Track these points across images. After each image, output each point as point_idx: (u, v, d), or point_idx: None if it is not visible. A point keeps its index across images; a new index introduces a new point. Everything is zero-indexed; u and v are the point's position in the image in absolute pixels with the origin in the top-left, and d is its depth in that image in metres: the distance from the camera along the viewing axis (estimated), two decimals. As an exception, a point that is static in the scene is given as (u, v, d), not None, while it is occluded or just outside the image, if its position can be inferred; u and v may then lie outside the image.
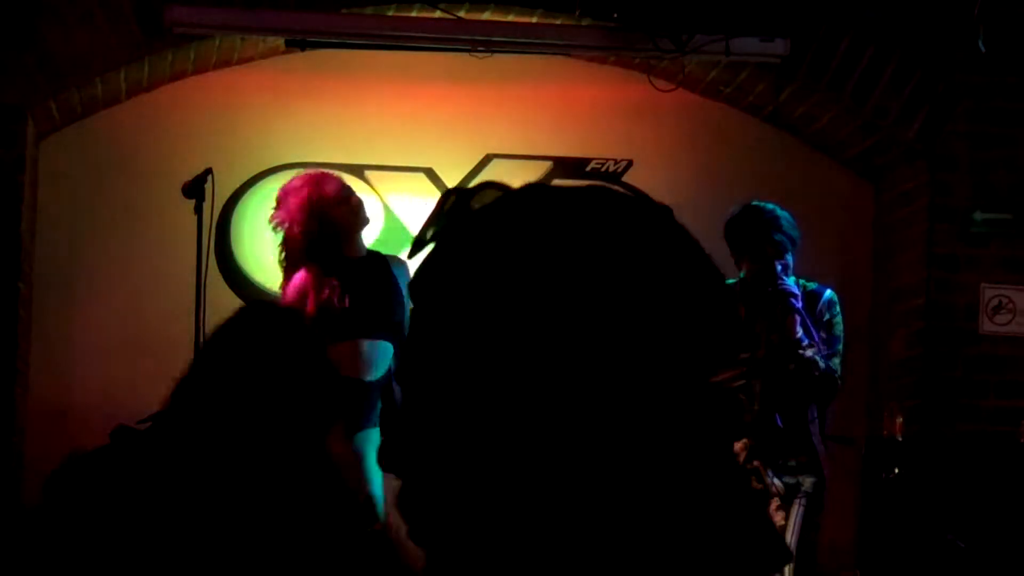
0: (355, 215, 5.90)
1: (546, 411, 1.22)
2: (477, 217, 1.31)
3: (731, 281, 5.66)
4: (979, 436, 6.72)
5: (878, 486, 6.13)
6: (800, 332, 5.43)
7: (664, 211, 1.34)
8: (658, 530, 1.23)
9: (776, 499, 5.48)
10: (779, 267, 5.48)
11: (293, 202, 5.88)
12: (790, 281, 5.50)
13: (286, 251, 5.89)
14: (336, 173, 6.11)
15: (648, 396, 1.23)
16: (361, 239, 5.98)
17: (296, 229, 5.86)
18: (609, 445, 1.23)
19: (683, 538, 1.23)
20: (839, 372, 5.55)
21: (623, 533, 1.23)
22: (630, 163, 7.38)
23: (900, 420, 6.28)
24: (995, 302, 6.88)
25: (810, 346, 5.44)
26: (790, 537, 5.48)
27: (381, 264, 5.93)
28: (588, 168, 7.37)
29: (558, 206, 1.31)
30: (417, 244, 1.36)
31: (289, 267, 5.87)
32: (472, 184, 1.37)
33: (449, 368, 1.26)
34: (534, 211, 1.30)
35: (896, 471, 6.10)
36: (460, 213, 1.34)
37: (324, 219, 5.87)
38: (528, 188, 1.34)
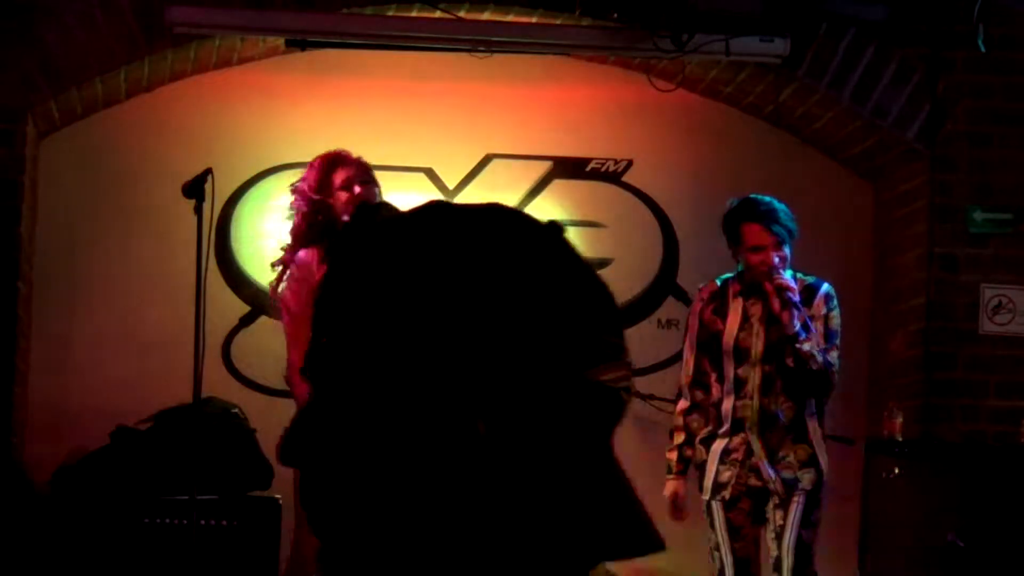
0: (353, 206, 5.82)
1: (431, 407, 1.27)
2: (375, 234, 1.37)
3: (727, 276, 5.66)
4: (979, 436, 6.72)
5: (878, 486, 6.13)
6: (798, 326, 5.43)
7: (551, 228, 1.42)
8: (529, 517, 1.28)
9: (775, 497, 5.47)
10: (776, 260, 5.48)
11: (304, 182, 5.87)
12: (787, 274, 5.50)
13: (292, 228, 5.85)
14: (358, 159, 5.96)
15: (526, 392, 1.28)
16: None
17: (299, 211, 5.84)
18: (489, 438, 1.27)
19: (551, 523, 1.28)
20: (836, 366, 5.55)
21: (497, 518, 1.27)
22: (630, 163, 7.38)
23: (900, 420, 6.28)
24: (995, 302, 6.88)
25: (807, 340, 5.44)
26: (788, 535, 5.47)
27: None
28: (588, 168, 7.37)
29: (450, 223, 1.37)
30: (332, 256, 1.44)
31: (292, 244, 5.83)
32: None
33: (348, 369, 1.31)
34: (425, 229, 1.37)
35: (896, 471, 6.09)
36: (360, 231, 1.41)
37: (323, 205, 5.84)
38: (426, 207, 1.41)
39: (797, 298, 5.45)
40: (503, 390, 1.32)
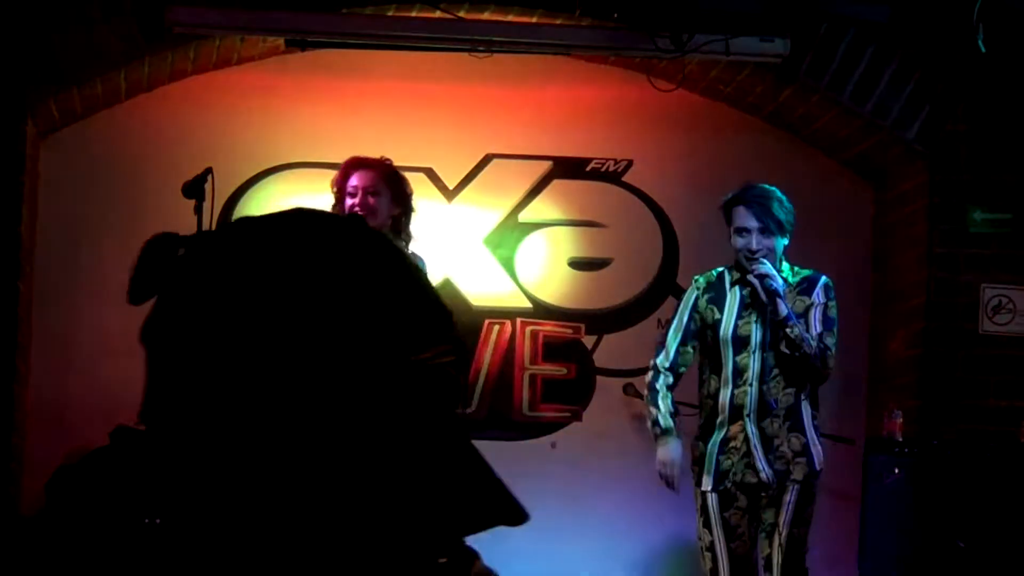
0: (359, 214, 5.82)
1: (268, 396, 1.32)
2: (199, 254, 1.44)
3: (723, 268, 5.67)
4: (979, 436, 6.72)
5: (878, 486, 6.13)
6: (786, 310, 5.44)
7: (352, 221, 1.47)
8: (371, 490, 1.32)
9: (768, 491, 5.46)
10: (757, 245, 5.48)
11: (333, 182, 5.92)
12: (767, 266, 5.49)
13: None
14: (382, 168, 5.94)
15: (347, 380, 1.33)
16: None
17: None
18: (325, 421, 1.32)
19: (395, 495, 1.32)
20: (833, 351, 5.56)
21: (341, 491, 1.32)
22: (630, 163, 7.38)
23: (900, 420, 6.28)
24: (995, 302, 6.87)
25: (796, 325, 5.45)
26: (780, 533, 5.46)
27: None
28: (588, 168, 7.37)
29: (258, 232, 1.45)
30: (139, 287, 1.51)
31: None
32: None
33: (184, 380, 1.38)
34: (235, 242, 1.44)
35: (896, 471, 6.09)
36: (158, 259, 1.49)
37: (338, 207, 5.88)
38: (236, 222, 1.49)
39: (779, 285, 5.46)
40: (324, 381, 1.38)
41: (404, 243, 5.88)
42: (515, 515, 1.38)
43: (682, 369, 5.59)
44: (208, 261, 1.45)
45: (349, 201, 5.81)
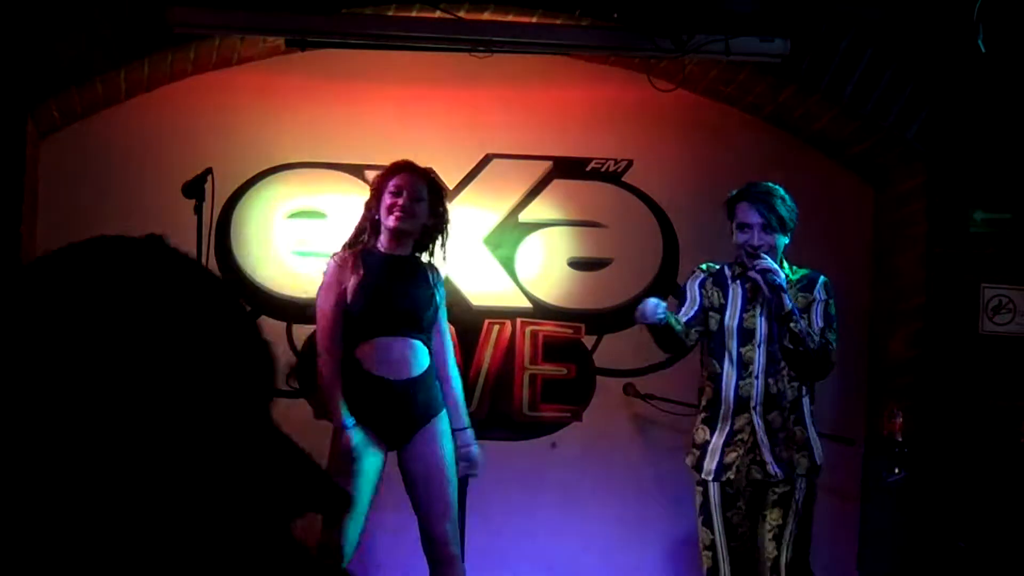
0: (389, 213, 5.80)
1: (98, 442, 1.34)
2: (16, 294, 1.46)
3: (721, 264, 5.70)
4: (979, 436, 6.72)
5: (878, 486, 6.13)
6: (790, 305, 5.47)
7: (156, 240, 1.48)
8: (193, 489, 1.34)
9: (773, 489, 5.47)
10: (758, 241, 5.51)
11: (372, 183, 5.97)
12: (768, 261, 5.51)
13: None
14: (425, 175, 5.98)
15: (171, 389, 1.35)
16: (404, 239, 5.87)
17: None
18: (144, 438, 1.34)
19: (232, 496, 1.35)
20: (835, 346, 5.59)
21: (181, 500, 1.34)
22: (630, 163, 7.38)
23: (900, 420, 6.29)
24: (995, 302, 6.87)
25: (800, 319, 5.48)
26: (787, 532, 5.46)
27: (417, 265, 5.86)
28: (588, 168, 7.37)
29: (74, 266, 1.46)
30: None
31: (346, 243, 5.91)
32: None
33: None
34: (53, 280, 1.46)
35: (896, 471, 6.10)
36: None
37: (369, 207, 5.89)
38: (39, 259, 1.50)
39: (782, 279, 5.48)
40: (139, 401, 1.39)
41: (428, 253, 5.90)
42: (338, 500, 1.42)
43: (690, 331, 5.64)
44: (18, 298, 1.47)
45: (389, 199, 5.80)
